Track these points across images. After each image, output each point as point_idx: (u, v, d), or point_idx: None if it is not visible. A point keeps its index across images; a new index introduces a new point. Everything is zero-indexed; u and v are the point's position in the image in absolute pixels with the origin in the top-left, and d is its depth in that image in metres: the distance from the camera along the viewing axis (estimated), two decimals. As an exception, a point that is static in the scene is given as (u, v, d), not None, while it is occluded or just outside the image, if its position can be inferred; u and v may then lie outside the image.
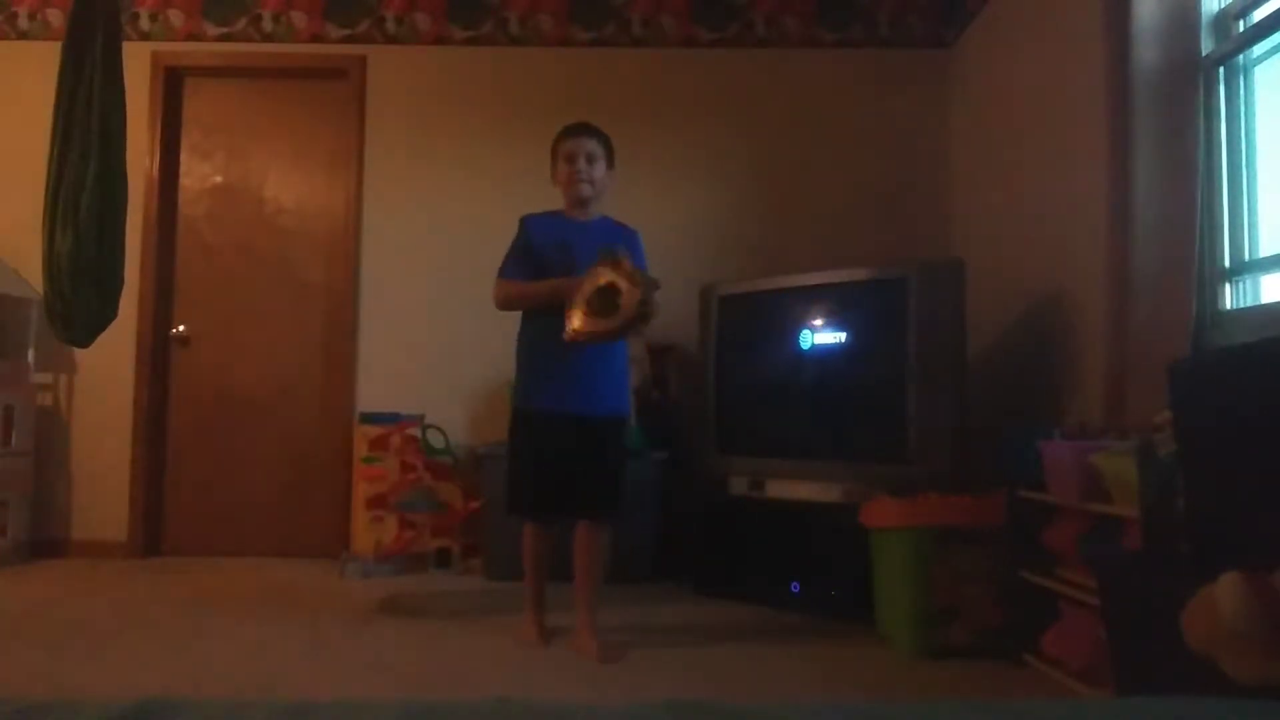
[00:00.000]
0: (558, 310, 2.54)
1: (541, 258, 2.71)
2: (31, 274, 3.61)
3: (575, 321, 2.46)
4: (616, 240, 2.65)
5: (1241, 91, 2.43)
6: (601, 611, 3.05)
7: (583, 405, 2.66)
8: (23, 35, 4.16)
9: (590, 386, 2.68)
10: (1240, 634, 1.30)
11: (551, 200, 4.17)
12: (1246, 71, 2.43)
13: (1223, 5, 2.46)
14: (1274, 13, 2.28)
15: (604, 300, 2.45)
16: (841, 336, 3.27)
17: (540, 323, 2.68)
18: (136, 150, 3.53)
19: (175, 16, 4.18)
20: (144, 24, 4.17)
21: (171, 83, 4.20)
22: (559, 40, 4.19)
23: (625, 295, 2.43)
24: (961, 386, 3.09)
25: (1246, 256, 2.40)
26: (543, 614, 2.74)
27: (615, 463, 2.74)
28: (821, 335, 3.29)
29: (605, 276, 2.47)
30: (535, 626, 2.71)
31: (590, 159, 2.73)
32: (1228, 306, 2.42)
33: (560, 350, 2.57)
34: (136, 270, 3.91)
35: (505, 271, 2.78)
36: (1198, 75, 2.40)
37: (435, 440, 3.91)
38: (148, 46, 4.12)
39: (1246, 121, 2.42)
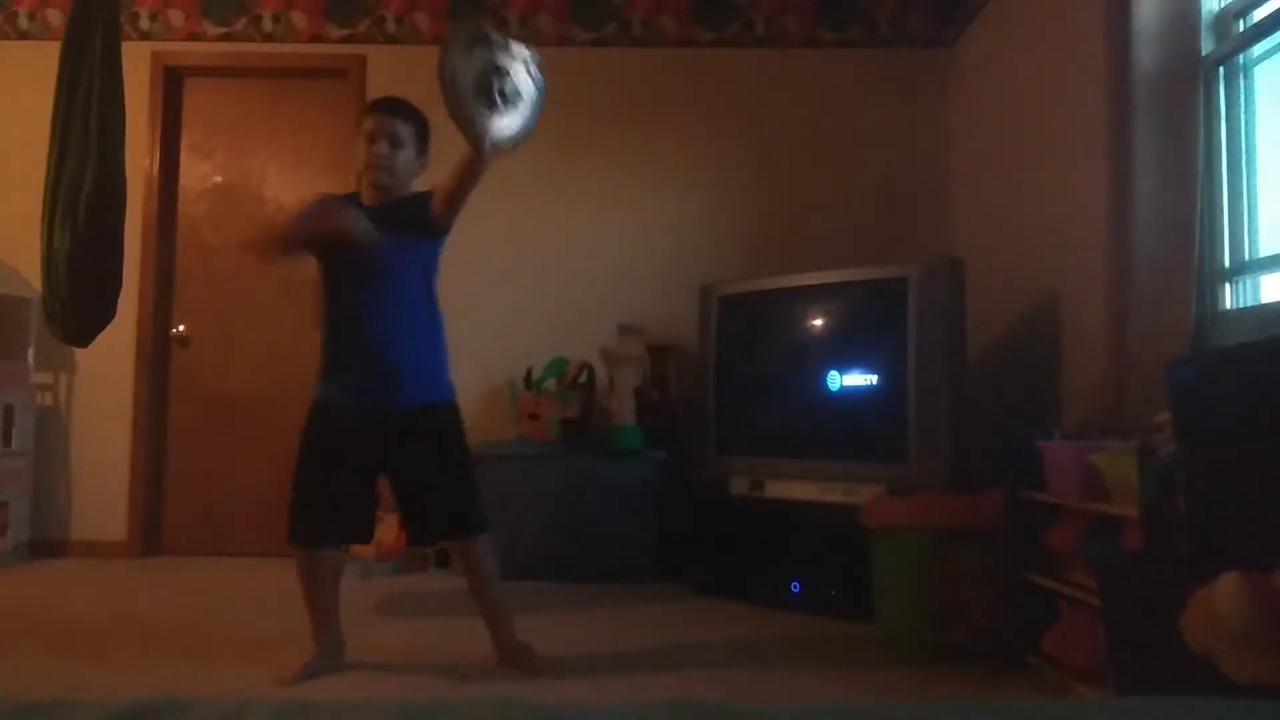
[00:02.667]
0: (353, 289, 2.29)
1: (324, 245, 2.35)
2: (31, 274, 3.61)
3: (493, 129, 2.02)
4: (403, 209, 2.34)
5: (1241, 91, 2.43)
6: (601, 611, 3.06)
7: (390, 398, 2.32)
8: (23, 35, 4.16)
9: (401, 372, 2.33)
10: (1240, 634, 1.30)
11: (556, 201, 4.19)
12: (1246, 71, 2.42)
13: (1223, 5, 2.46)
14: (1274, 13, 2.28)
15: (500, 85, 2.02)
16: (873, 379, 3.16)
17: (339, 304, 2.37)
18: (136, 150, 3.53)
19: (175, 16, 4.18)
20: (144, 24, 4.17)
21: (171, 83, 4.20)
22: (559, 40, 4.19)
23: (514, 64, 2.03)
24: (961, 386, 3.09)
25: (1246, 256, 2.40)
26: (325, 639, 2.40)
27: (456, 462, 2.39)
28: (850, 377, 3.19)
29: (479, 59, 2.02)
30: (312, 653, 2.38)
31: (394, 142, 2.37)
32: (1228, 306, 2.42)
33: (361, 333, 2.31)
34: (136, 270, 3.92)
35: None
36: (1198, 75, 2.40)
37: (435, 440, 3.90)
38: (148, 46, 4.12)
39: (1246, 121, 2.42)
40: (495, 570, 2.44)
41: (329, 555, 2.45)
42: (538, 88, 2.12)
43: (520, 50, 2.09)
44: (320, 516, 2.38)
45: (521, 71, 2.08)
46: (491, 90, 2.03)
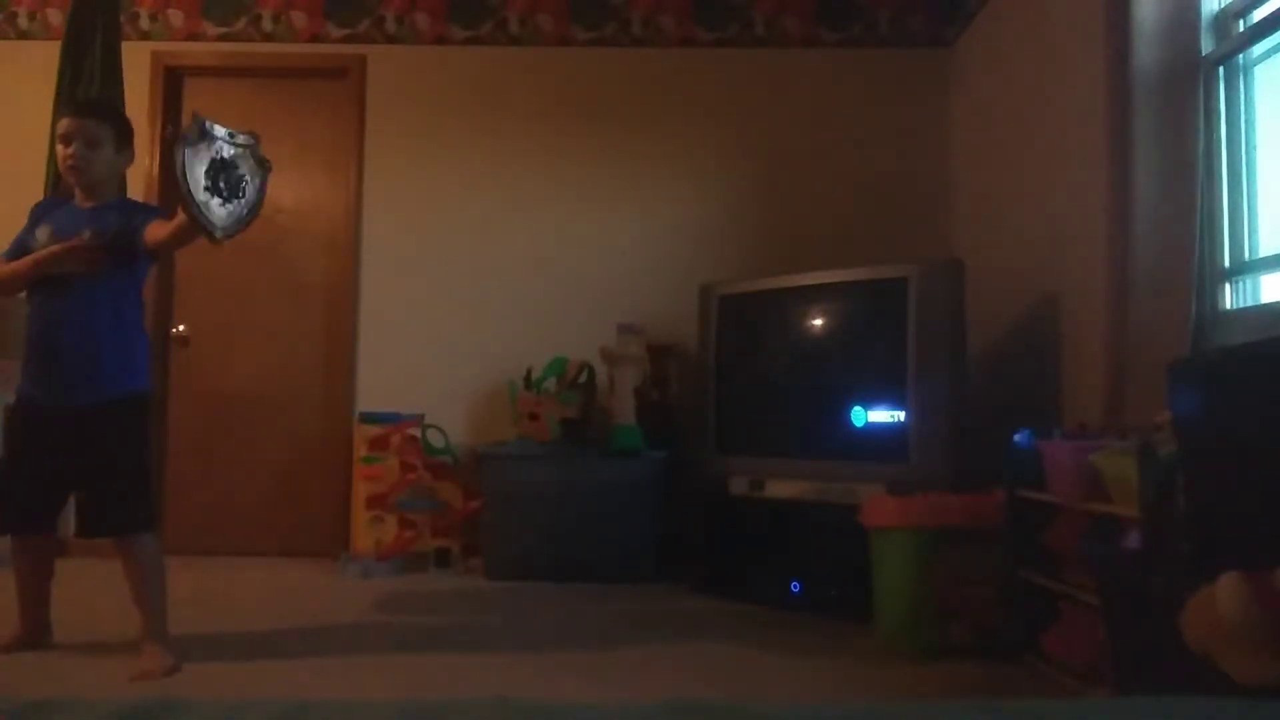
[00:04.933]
0: (47, 285, 2.38)
1: (27, 246, 2.45)
2: (31, 274, 3.61)
3: (221, 218, 2.18)
4: (115, 222, 2.43)
5: (1241, 91, 2.43)
6: (601, 611, 3.06)
7: (66, 395, 2.39)
8: (23, 35, 4.17)
9: (70, 368, 2.40)
10: (1240, 634, 1.30)
11: (556, 201, 4.19)
12: (1246, 71, 2.42)
13: (1223, 5, 2.46)
14: (1274, 13, 2.28)
15: (227, 177, 2.19)
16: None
17: (35, 300, 2.45)
18: (136, 150, 3.53)
19: (175, 16, 4.18)
20: (144, 24, 4.17)
21: (171, 83, 4.20)
22: (559, 40, 4.19)
23: (242, 156, 2.21)
24: (961, 387, 3.09)
25: (1246, 256, 2.40)
26: (26, 621, 2.52)
27: (122, 460, 2.43)
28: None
29: (208, 153, 2.17)
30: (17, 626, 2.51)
31: (90, 143, 2.43)
32: (1228, 306, 2.42)
33: (48, 330, 2.41)
34: (136, 270, 3.91)
35: (6, 252, 2.51)
36: (1198, 75, 2.40)
37: (435, 440, 3.91)
38: (148, 46, 4.12)
39: (1246, 121, 2.42)
40: (156, 569, 2.46)
41: (33, 542, 2.53)
42: (262, 171, 2.29)
43: (242, 138, 2.25)
44: (16, 505, 2.47)
45: (247, 159, 2.25)
46: (219, 182, 2.19)
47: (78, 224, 2.42)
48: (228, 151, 2.20)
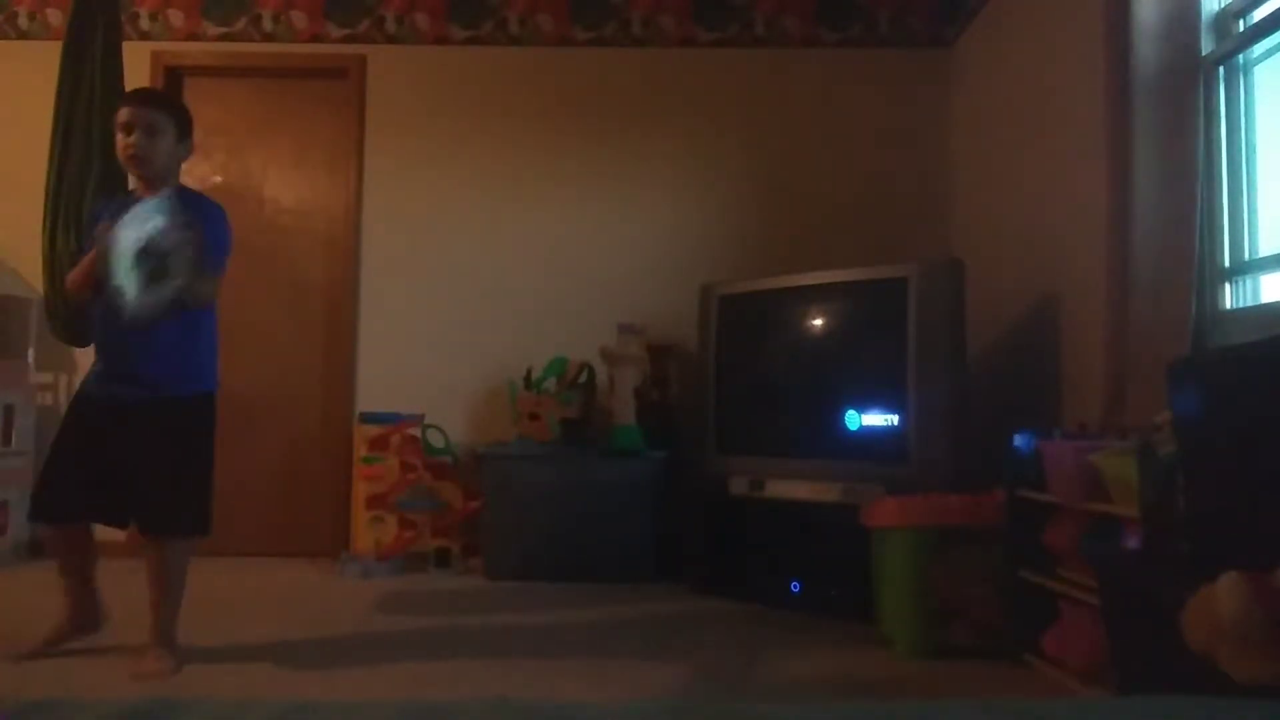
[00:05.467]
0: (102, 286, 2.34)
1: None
2: (31, 274, 3.61)
3: (142, 296, 2.17)
4: (182, 209, 2.34)
5: (1241, 91, 2.43)
6: (601, 611, 3.06)
7: (118, 393, 2.40)
8: (23, 35, 4.17)
9: (133, 365, 2.41)
10: (1240, 634, 1.30)
11: (556, 201, 4.19)
12: (1246, 71, 2.43)
13: (1223, 5, 2.46)
14: (1274, 12, 2.28)
15: (148, 257, 2.16)
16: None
17: (96, 300, 2.44)
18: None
19: (175, 16, 4.18)
20: (144, 24, 4.17)
21: (171, 83, 4.19)
22: (559, 40, 4.19)
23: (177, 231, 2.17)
24: (961, 387, 3.09)
25: (1246, 256, 2.40)
26: (74, 611, 2.50)
27: (167, 461, 2.44)
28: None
29: (137, 233, 2.16)
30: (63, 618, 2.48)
31: (151, 131, 2.39)
32: (1228, 306, 2.42)
33: (101, 329, 2.43)
34: (136, 270, 3.91)
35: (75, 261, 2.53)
36: (1198, 75, 2.40)
37: (435, 440, 3.91)
38: (148, 46, 4.12)
39: (1246, 121, 2.42)
40: (179, 574, 2.46)
41: (71, 531, 2.50)
42: (185, 236, 2.23)
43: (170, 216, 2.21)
44: (55, 494, 2.47)
45: (185, 237, 2.22)
46: (148, 260, 2.17)
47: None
48: (154, 227, 2.17)
